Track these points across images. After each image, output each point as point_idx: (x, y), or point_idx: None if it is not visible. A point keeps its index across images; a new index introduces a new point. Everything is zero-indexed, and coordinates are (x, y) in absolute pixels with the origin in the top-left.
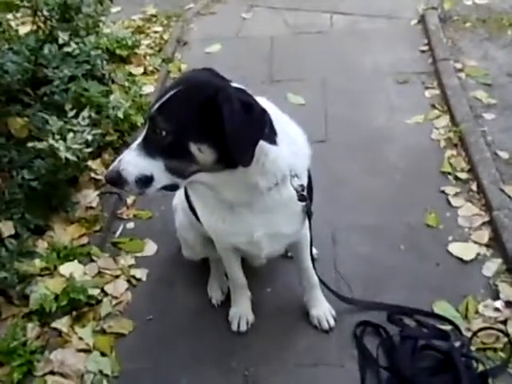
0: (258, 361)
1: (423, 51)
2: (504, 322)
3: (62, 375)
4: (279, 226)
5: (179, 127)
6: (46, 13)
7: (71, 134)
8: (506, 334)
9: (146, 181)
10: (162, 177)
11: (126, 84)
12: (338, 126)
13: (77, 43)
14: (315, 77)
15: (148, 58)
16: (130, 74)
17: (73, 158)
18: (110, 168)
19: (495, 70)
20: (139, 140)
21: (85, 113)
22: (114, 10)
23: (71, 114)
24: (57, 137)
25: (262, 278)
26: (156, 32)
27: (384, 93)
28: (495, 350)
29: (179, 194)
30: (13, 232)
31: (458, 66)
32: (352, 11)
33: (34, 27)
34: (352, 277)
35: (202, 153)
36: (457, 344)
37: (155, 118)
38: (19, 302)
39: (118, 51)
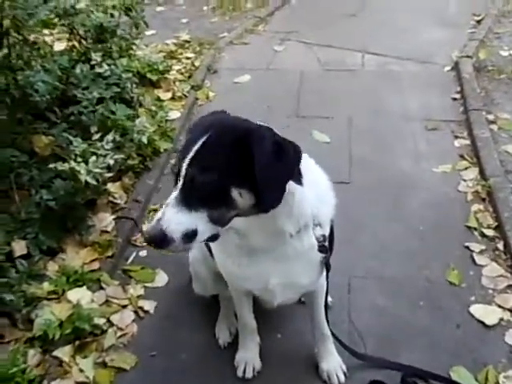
0: None
1: (455, 99)
2: None
3: None
4: (296, 276)
5: (219, 175)
6: (81, 32)
7: (94, 158)
8: None
9: (191, 236)
10: (205, 228)
11: (153, 108)
12: (363, 168)
13: (109, 65)
14: (342, 115)
15: (177, 83)
16: (158, 99)
17: (93, 181)
18: (150, 228)
19: None
20: (175, 194)
21: (109, 136)
22: (148, 33)
23: (96, 136)
24: (79, 159)
25: (273, 322)
26: (188, 58)
27: (412, 138)
28: None
29: None
30: (25, 252)
31: (491, 117)
32: (384, 52)
33: (69, 46)
34: (366, 330)
35: (242, 197)
36: None
37: (191, 170)
38: (23, 326)
39: (148, 75)
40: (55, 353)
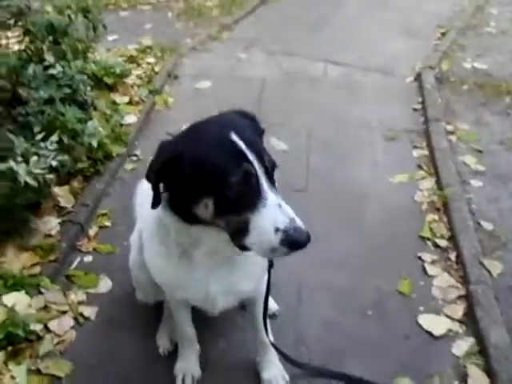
0: None
1: (416, 109)
2: None
3: None
4: (238, 282)
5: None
6: (35, 32)
7: (35, 158)
8: None
9: None
10: None
11: (108, 112)
12: (319, 177)
13: (63, 66)
14: (302, 124)
15: (136, 88)
16: (114, 103)
17: (33, 182)
18: (303, 227)
19: (487, 136)
20: (271, 191)
21: (54, 137)
22: (110, 37)
23: (39, 136)
24: (19, 159)
25: (216, 329)
26: (148, 63)
27: (370, 148)
28: None
29: (135, 232)
30: None
31: (450, 128)
32: (348, 62)
33: (25, 46)
34: (313, 339)
35: None
36: None
37: (266, 155)
38: None
39: (104, 78)
40: None
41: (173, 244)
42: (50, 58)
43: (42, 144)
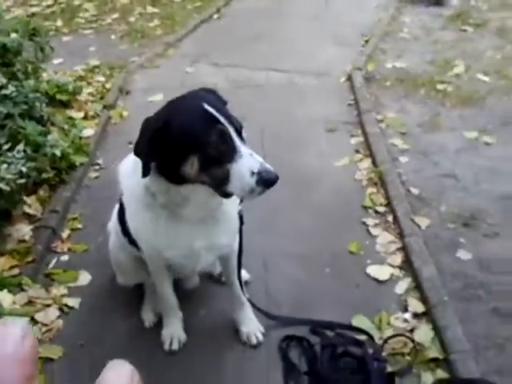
0: (191, 376)
1: (350, 104)
2: (411, 331)
3: None
4: (218, 237)
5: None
6: None
7: (5, 165)
8: (412, 341)
9: None
10: None
11: (66, 127)
12: (275, 166)
13: (15, 86)
14: (254, 125)
15: (89, 104)
16: (70, 118)
17: (6, 187)
18: (272, 169)
19: (409, 121)
20: (243, 145)
21: (20, 146)
22: (55, 61)
23: (6, 147)
24: None
25: (196, 302)
26: (98, 81)
27: (315, 139)
28: (403, 354)
29: (113, 218)
30: None
31: (379, 117)
32: (288, 69)
33: None
34: (281, 298)
35: None
36: (370, 350)
37: (233, 118)
38: None
39: (58, 96)
40: None
41: (159, 209)
42: (1, 78)
43: (9, 153)
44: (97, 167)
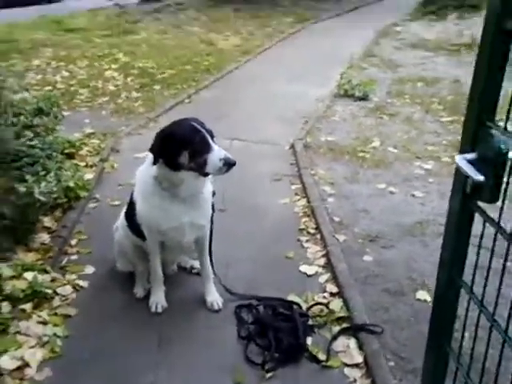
0: (171, 329)
1: (292, 164)
2: (327, 304)
3: (28, 335)
4: (198, 218)
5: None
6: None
7: (44, 183)
8: (327, 307)
9: None
10: None
11: (72, 171)
12: (234, 204)
13: (40, 140)
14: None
15: (89, 157)
16: (76, 165)
17: (44, 199)
18: (231, 156)
19: (336, 176)
20: (215, 144)
21: (52, 173)
22: (58, 127)
23: (42, 173)
24: (32, 184)
25: (175, 282)
26: (94, 143)
27: (265, 186)
28: (321, 316)
29: (121, 218)
30: None
31: (313, 172)
32: (246, 139)
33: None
34: (237, 285)
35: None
36: (298, 311)
37: (209, 132)
38: None
39: (66, 150)
40: (21, 306)
41: (163, 192)
42: (28, 132)
43: (42, 178)
44: (94, 200)
